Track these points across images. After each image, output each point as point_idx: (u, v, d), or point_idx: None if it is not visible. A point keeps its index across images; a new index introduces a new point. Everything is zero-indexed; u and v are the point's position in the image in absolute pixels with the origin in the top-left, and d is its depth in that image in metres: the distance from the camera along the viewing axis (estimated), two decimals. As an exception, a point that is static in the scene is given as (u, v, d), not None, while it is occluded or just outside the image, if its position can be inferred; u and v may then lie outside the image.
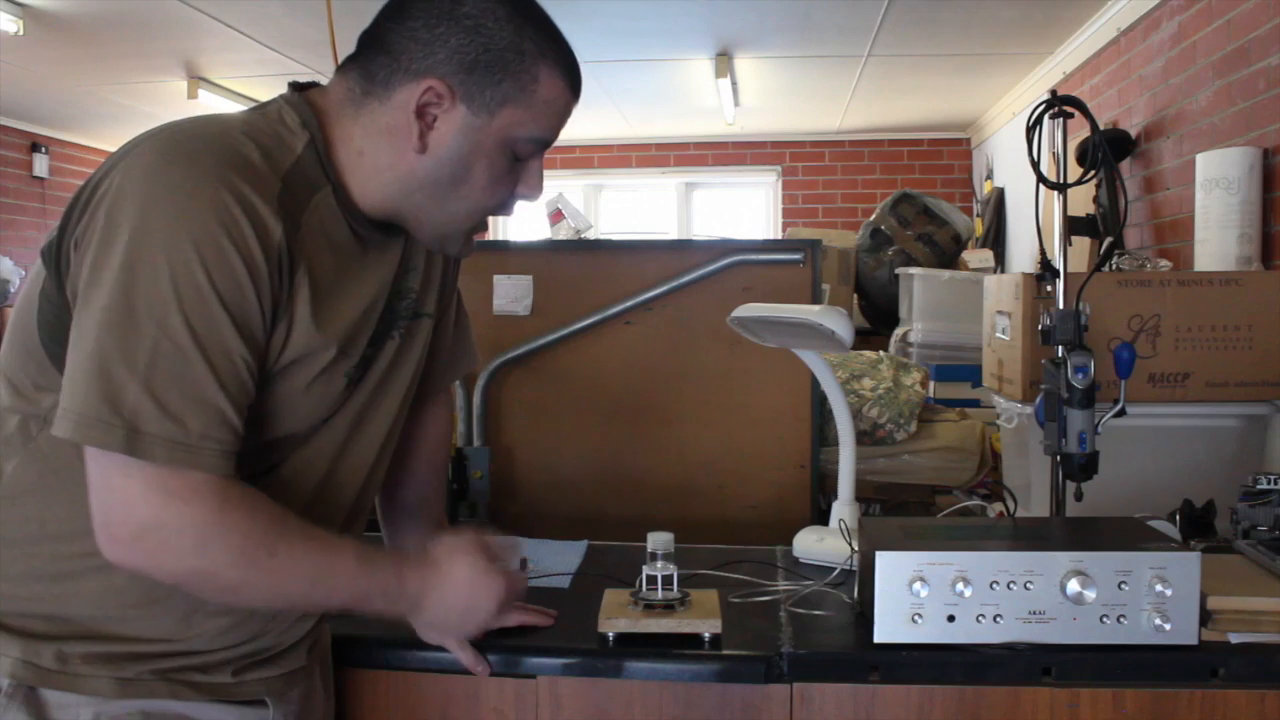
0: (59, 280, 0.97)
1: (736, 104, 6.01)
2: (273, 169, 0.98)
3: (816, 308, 1.62)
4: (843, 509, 1.69)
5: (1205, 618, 1.26)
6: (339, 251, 1.05)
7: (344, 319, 1.05)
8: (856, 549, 1.49)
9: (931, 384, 3.24)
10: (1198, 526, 1.69)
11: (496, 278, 2.30)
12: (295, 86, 1.09)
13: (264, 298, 0.95)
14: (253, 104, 1.09)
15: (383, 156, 1.04)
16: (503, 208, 1.11)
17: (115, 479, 0.92)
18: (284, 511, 0.99)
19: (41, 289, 1.00)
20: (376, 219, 1.08)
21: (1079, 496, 1.63)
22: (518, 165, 1.08)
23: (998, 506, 2.00)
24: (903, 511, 2.37)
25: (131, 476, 0.92)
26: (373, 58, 1.04)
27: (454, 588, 1.11)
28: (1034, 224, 2.00)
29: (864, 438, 2.36)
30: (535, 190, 1.11)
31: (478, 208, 1.08)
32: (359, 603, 1.06)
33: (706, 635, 1.30)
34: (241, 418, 0.96)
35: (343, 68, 1.07)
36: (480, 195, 1.07)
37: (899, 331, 3.76)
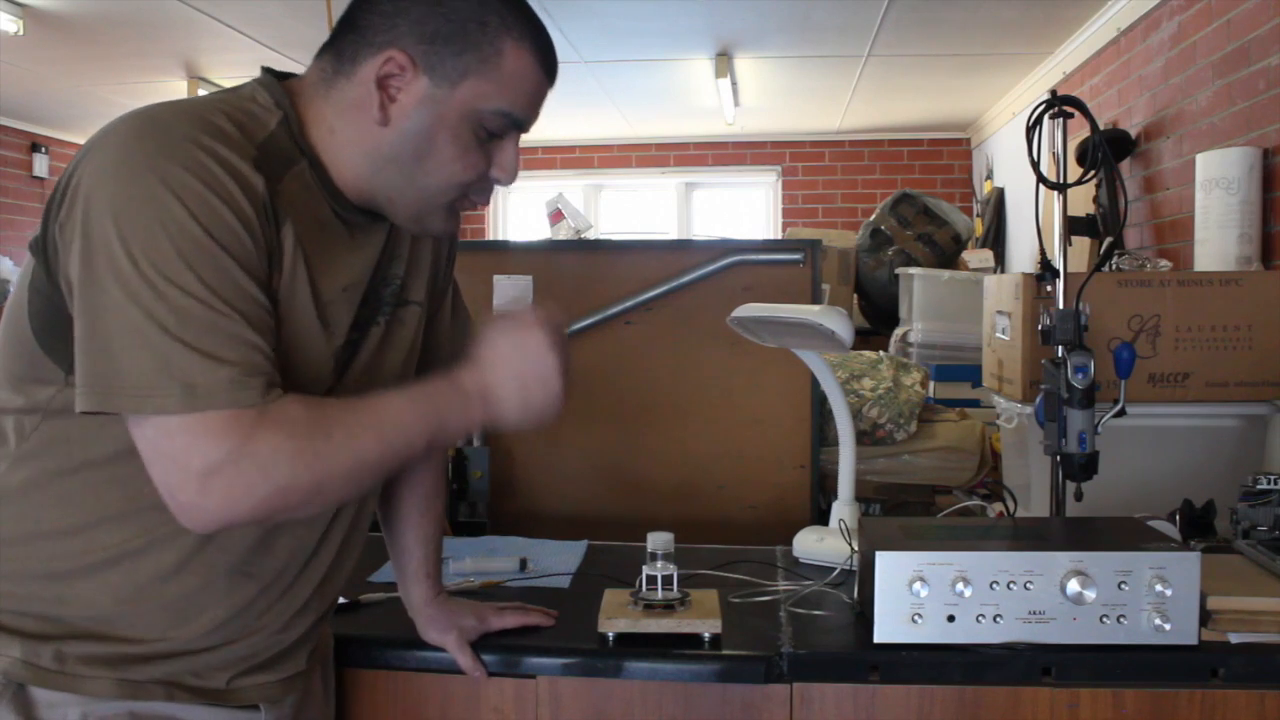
0: (48, 270, 0.97)
1: (736, 104, 6.01)
2: (247, 138, 0.99)
3: (816, 308, 1.62)
4: (843, 509, 1.69)
5: (1205, 618, 1.26)
6: (320, 226, 1.05)
7: (326, 292, 1.04)
8: (856, 549, 1.49)
9: (931, 384, 3.24)
10: (1198, 526, 1.69)
11: (496, 278, 2.30)
12: (269, 72, 1.09)
13: (258, 244, 0.96)
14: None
15: (351, 132, 1.04)
16: (477, 188, 1.08)
17: (163, 442, 0.92)
18: (315, 399, 0.98)
19: (31, 281, 1.00)
20: (357, 203, 1.08)
21: (1079, 496, 1.63)
22: (491, 145, 1.06)
23: (998, 506, 2.00)
24: (903, 511, 2.37)
25: (174, 433, 0.91)
26: (342, 36, 1.05)
27: (507, 358, 1.03)
28: (1034, 224, 2.00)
29: (864, 438, 2.36)
30: (508, 173, 1.08)
31: (447, 183, 1.06)
32: (438, 429, 1.01)
33: (706, 635, 1.31)
34: (274, 353, 0.96)
35: (319, 52, 1.08)
36: (448, 170, 1.05)
37: (899, 331, 3.76)
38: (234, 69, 5.16)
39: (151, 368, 0.90)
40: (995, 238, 5.87)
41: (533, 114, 1.08)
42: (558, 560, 1.70)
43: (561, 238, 3.95)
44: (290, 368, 1.02)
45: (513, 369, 1.02)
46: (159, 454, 0.92)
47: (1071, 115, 1.68)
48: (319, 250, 1.04)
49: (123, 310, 0.90)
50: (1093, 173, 1.71)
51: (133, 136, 0.94)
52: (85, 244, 0.92)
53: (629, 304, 2.28)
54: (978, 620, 1.25)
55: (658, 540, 1.36)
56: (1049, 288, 1.76)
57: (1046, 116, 1.67)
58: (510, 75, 1.03)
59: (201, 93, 5.31)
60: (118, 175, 0.92)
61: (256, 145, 0.99)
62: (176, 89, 5.39)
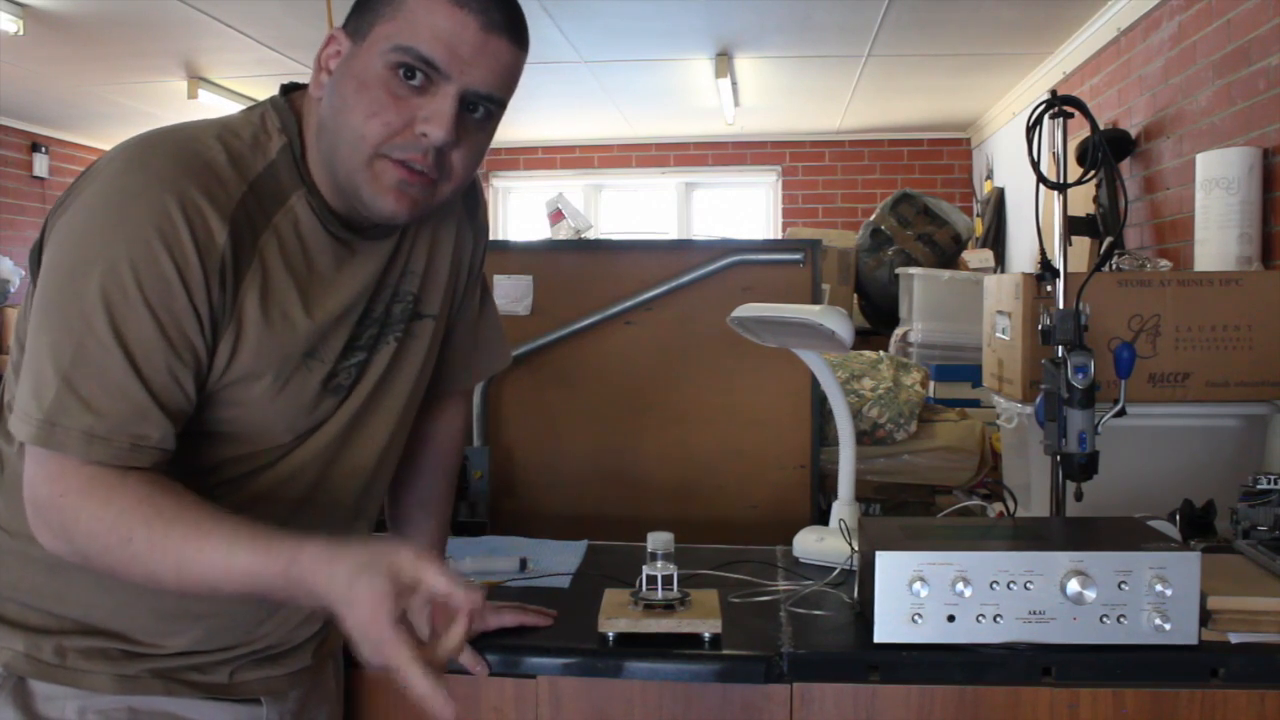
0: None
1: (736, 104, 6.01)
2: (240, 174, 0.99)
3: (816, 308, 1.62)
4: (843, 509, 1.69)
5: (1205, 618, 1.26)
6: (311, 255, 1.05)
7: (311, 323, 1.04)
8: (856, 549, 1.49)
9: (931, 384, 3.23)
10: (1198, 526, 1.69)
11: (497, 278, 2.30)
12: (286, 89, 1.09)
13: (199, 303, 0.96)
14: (252, 104, 1.10)
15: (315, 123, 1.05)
16: (400, 144, 0.99)
17: (28, 464, 0.96)
18: (158, 495, 0.94)
19: (29, 291, 1.02)
20: (349, 216, 1.07)
21: (1079, 496, 1.63)
22: (414, 97, 0.99)
23: (998, 506, 2.00)
24: (903, 511, 2.37)
25: (30, 459, 0.95)
26: None
27: (347, 601, 0.90)
28: (1034, 224, 2.00)
29: (864, 438, 2.36)
30: (434, 126, 0.98)
31: (357, 138, 0.99)
32: (251, 590, 0.93)
33: (706, 635, 1.30)
34: (170, 418, 0.96)
35: None
36: (356, 123, 0.98)
37: (899, 331, 3.76)
38: (234, 69, 5.16)
39: (28, 394, 0.93)
40: (995, 238, 5.87)
41: (454, 58, 0.98)
42: (558, 560, 1.70)
43: (561, 238, 3.95)
44: (270, 400, 1.03)
45: (347, 618, 0.90)
46: (24, 470, 0.96)
47: (1071, 115, 1.68)
48: (308, 286, 1.04)
49: (35, 334, 0.94)
50: (1093, 173, 1.71)
51: (116, 171, 0.96)
52: (46, 264, 0.96)
53: (629, 304, 2.28)
54: (978, 620, 1.25)
55: (658, 540, 1.36)
56: (1049, 288, 1.76)
57: (1046, 116, 1.67)
58: (413, 11, 0.98)
59: (202, 93, 5.32)
60: (88, 208, 0.95)
61: (250, 181, 1.00)
62: (176, 89, 5.39)
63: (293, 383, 1.04)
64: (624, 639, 1.31)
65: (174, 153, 0.97)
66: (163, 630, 1.06)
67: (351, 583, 0.89)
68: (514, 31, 1.02)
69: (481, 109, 1.03)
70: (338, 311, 1.07)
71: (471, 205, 1.26)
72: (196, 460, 1.02)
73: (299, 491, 1.10)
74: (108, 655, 1.05)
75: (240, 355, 1.00)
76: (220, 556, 0.92)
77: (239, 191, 0.98)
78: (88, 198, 0.96)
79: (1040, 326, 1.69)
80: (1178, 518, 1.69)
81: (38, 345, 0.94)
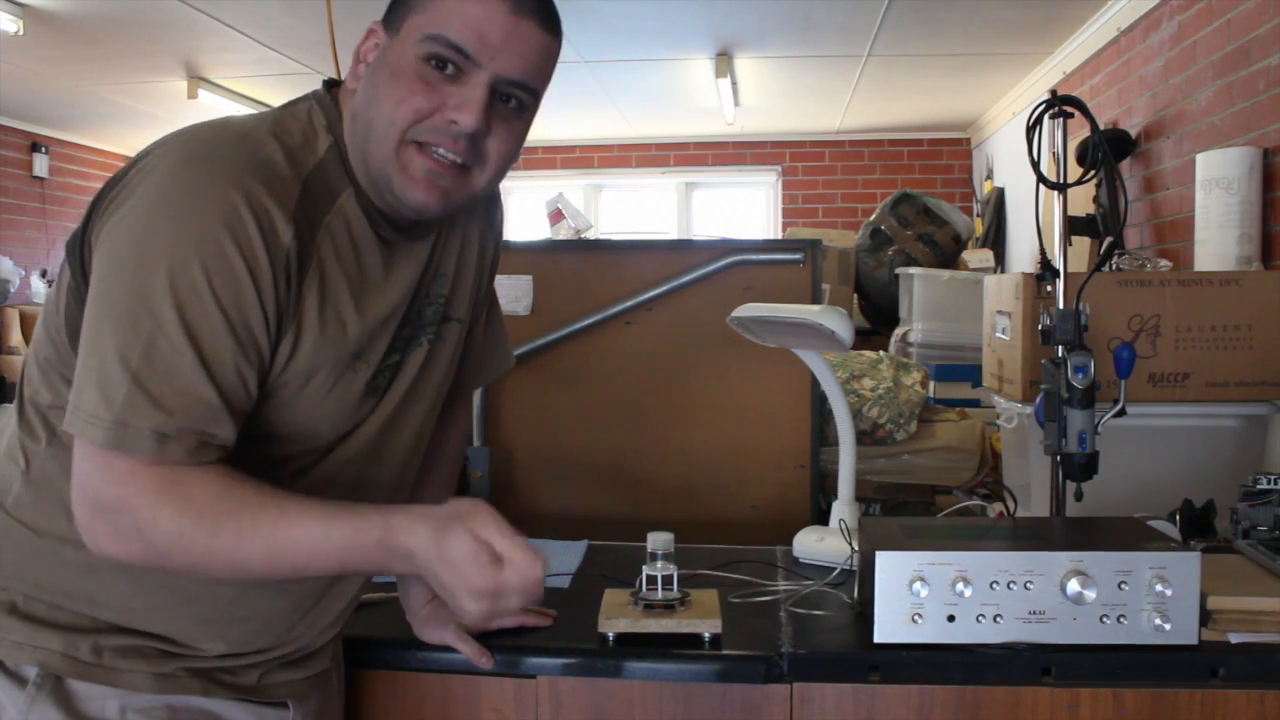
0: (83, 274, 0.98)
1: (736, 104, 6.01)
2: (295, 172, 0.99)
3: (816, 308, 1.62)
4: (843, 509, 1.69)
5: (1205, 618, 1.26)
6: (361, 255, 1.05)
7: (361, 325, 1.04)
8: (856, 549, 1.49)
9: (931, 384, 3.23)
10: (1198, 526, 1.69)
11: (497, 278, 2.29)
12: (328, 85, 1.09)
13: (267, 302, 0.95)
14: (253, 103, 1.10)
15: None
16: (429, 129, 1.00)
17: (80, 462, 0.94)
18: (237, 486, 0.94)
19: (67, 284, 1.01)
20: (393, 214, 1.07)
21: (1079, 496, 1.63)
22: (447, 85, 0.99)
23: (998, 506, 2.00)
24: (903, 511, 2.37)
25: (88, 458, 0.93)
26: None
27: (441, 561, 0.94)
28: (1034, 224, 2.00)
29: (864, 438, 2.36)
30: (465, 113, 0.99)
31: (387, 123, 0.99)
32: (344, 568, 0.96)
33: (706, 635, 1.30)
34: (235, 417, 0.96)
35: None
36: (390, 108, 0.99)
37: (899, 331, 3.76)
38: (234, 69, 5.16)
39: (95, 394, 0.91)
40: (995, 238, 5.87)
41: (484, 45, 0.99)
42: (558, 560, 1.70)
43: (561, 238, 3.95)
44: (319, 401, 1.03)
45: (439, 575, 0.95)
46: (77, 472, 0.94)
47: (1071, 115, 1.68)
48: (359, 282, 1.04)
49: (99, 331, 0.92)
50: (1093, 173, 1.71)
51: (177, 166, 0.95)
52: (105, 260, 0.94)
53: (629, 304, 2.28)
54: (978, 620, 1.25)
55: (658, 540, 1.36)
56: (1049, 288, 1.76)
57: (1046, 116, 1.67)
58: (444, 1, 0.99)
59: (202, 93, 5.32)
60: (150, 203, 0.93)
61: (303, 180, 0.99)
62: (176, 89, 5.39)
63: (340, 384, 1.04)
64: (624, 639, 1.31)
65: (235, 148, 0.96)
66: (200, 634, 1.06)
67: (440, 542, 0.93)
68: (544, 16, 1.02)
69: (514, 99, 1.03)
70: (385, 314, 1.07)
71: (494, 210, 1.27)
72: (239, 463, 1.01)
73: (338, 494, 1.09)
74: (144, 654, 1.04)
75: (298, 356, 1.00)
76: (316, 535, 0.93)
77: (296, 190, 0.98)
78: (148, 192, 0.94)
79: (1040, 326, 1.69)
80: (1178, 518, 1.69)
81: (100, 343, 0.92)
